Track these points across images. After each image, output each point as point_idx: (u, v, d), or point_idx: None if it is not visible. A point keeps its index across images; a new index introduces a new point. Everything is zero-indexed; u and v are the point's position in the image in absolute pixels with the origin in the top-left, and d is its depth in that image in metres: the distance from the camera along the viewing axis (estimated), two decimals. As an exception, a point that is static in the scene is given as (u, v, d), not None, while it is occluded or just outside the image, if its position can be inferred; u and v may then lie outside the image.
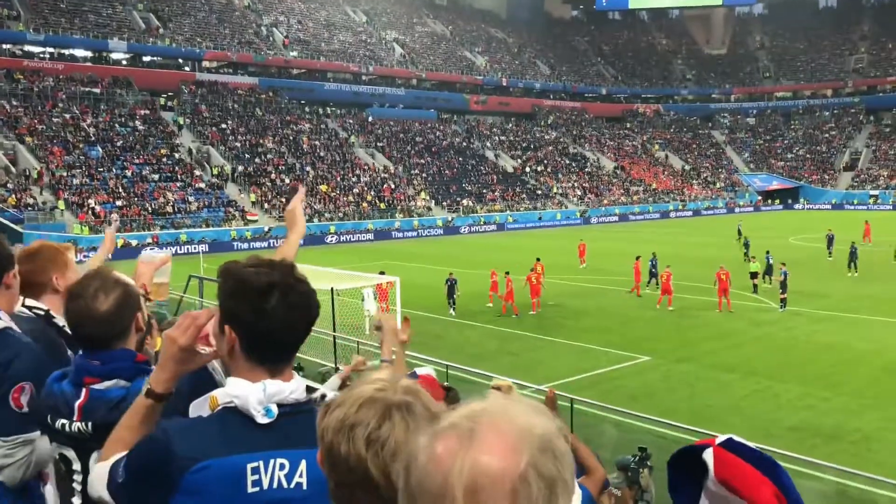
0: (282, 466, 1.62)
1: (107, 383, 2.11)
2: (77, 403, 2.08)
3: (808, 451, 10.26)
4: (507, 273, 22.91)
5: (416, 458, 0.90)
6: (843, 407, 13.41)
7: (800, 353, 17.52)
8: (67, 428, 2.09)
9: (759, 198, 79.71)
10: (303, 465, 1.64)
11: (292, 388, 1.70)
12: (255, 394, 1.65)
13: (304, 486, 1.63)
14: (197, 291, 18.03)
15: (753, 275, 25.54)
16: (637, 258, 26.20)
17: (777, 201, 79.03)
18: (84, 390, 2.10)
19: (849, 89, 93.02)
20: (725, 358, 17.25)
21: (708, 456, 1.39)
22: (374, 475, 1.23)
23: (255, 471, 1.60)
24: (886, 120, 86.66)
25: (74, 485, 2.16)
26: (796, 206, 77.66)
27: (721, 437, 1.43)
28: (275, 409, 1.65)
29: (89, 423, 2.06)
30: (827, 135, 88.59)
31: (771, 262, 26.57)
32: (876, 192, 74.49)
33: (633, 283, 25.87)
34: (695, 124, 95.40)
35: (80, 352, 2.21)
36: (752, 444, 1.47)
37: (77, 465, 2.15)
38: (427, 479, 0.87)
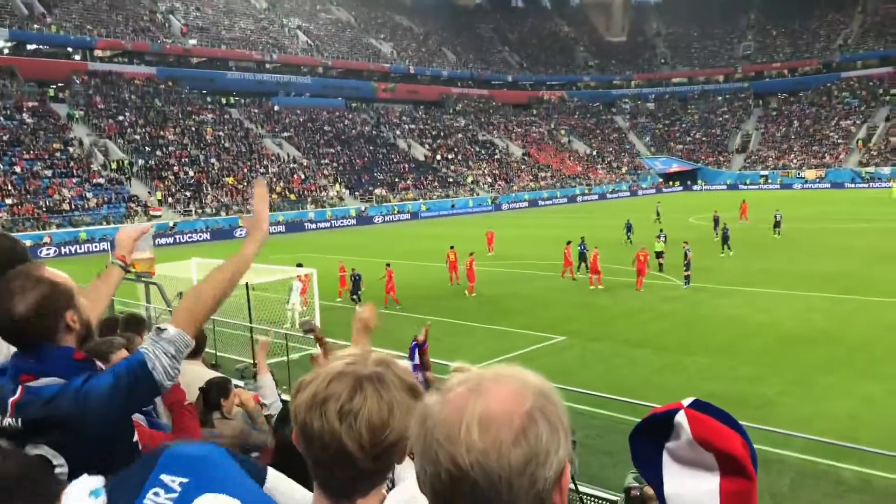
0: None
1: (43, 380, 2.05)
2: (11, 400, 2.01)
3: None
4: (388, 265, 22.93)
5: (431, 407, 0.99)
6: (746, 375, 14.23)
7: (704, 327, 18.46)
8: (1, 422, 2.03)
9: (661, 180, 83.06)
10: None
11: None
12: None
13: None
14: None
15: (659, 254, 26.70)
16: (568, 243, 26.45)
17: (677, 183, 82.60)
18: (20, 388, 2.04)
19: (738, 75, 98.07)
20: (637, 334, 17.96)
21: (681, 418, 1.44)
22: (350, 448, 1.23)
23: None
24: (773, 104, 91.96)
25: None
26: (695, 187, 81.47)
27: (688, 400, 1.50)
28: None
29: (19, 420, 2.00)
30: (720, 119, 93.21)
31: (663, 237, 27.77)
32: (766, 173, 79.05)
33: (562, 267, 26.13)
34: (598, 110, 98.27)
35: (15, 352, 2.14)
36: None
37: None
38: (443, 421, 0.96)
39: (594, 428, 10.71)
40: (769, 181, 77.57)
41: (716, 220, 35.14)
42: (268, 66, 74.05)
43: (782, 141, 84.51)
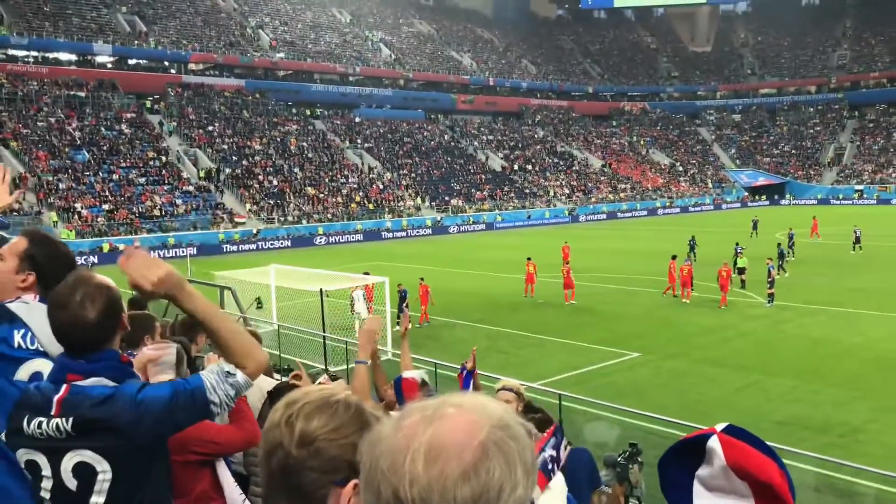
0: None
1: (91, 380, 2.10)
2: (56, 397, 2.06)
3: (797, 445, 10.33)
4: (422, 279, 22.15)
5: (382, 434, 0.91)
6: (832, 400, 13.52)
7: (788, 347, 17.65)
8: (44, 426, 2.04)
9: (746, 194, 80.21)
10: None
11: None
12: None
13: None
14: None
15: (741, 270, 25.69)
16: (673, 258, 25.41)
17: (763, 197, 79.54)
18: (64, 385, 2.08)
19: (832, 85, 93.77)
20: (715, 353, 17.35)
21: (714, 444, 1.41)
22: (284, 441, 1.25)
23: None
24: (870, 115, 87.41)
25: (42, 493, 2.08)
26: (783, 201, 78.19)
27: (721, 425, 1.47)
28: None
29: (69, 420, 2.03)
30: (811, 131, 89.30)
31: (740, 251, 26.71)
32: (860, 187, 75.15)
33: (668, 284, 25.05)
34: (681, 122, 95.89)
35: (63, 354, 2.19)
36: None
37: (47, 471, 2.07)
38: (390, 449, 0.88)
39: (665, 448, 10.40)
40: (864, 196, 73.69)
41: (790, 237, 33.48)
42: (351, 78, 75.75)
43: (880, 154, 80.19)
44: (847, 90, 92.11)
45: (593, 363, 16.72)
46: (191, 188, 51.13)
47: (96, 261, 37.91)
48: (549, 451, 2.47)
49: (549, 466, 2.37)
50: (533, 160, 75.49)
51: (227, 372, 2.14)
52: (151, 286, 1.99)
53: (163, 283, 2.01)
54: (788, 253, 30.89)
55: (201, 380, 2.11)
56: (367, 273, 21.72)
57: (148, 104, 60.05)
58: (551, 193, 68.77)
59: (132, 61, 63.23)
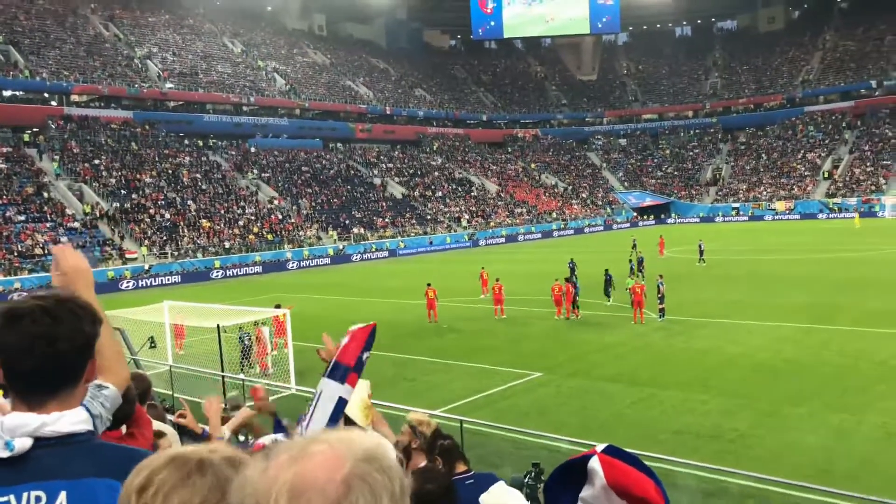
0: (38, 499, 1.54)
1: None
2: None
3: (690, 453, 10.93)
4: (256, 323, 19.95)
5: (248, 477, 0.91)
6: (720, 408, 14.34)
7: (678, 360, 18.61)
8: None
9: (635, 214, 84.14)
10: (62, 496, 1.55)
11: (49, 419, 1.61)
12: None
13: None
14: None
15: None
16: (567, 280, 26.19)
17: (651, 217, 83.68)
18: None
19: (707, 110, 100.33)
20: (611, 369, 18.06)
21: (595, 464, 1.46)
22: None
23: None
24: (741, 138, 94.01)
25: None
26: (668, 220, 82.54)
27: (601, 446, 1.53)
28: (20, 442, 1.56)
29: None
30: (691, 153, 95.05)
31: (609, 275, 27.90)
32: (737, 205, 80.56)
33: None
34: (571, 147, 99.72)
35: None
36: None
37: None
38: (255, 491, 0.88)
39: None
40: (740, 213, 78.98)
41: (640, 261, 33.83)
42: (245, 108, 74.46)
43: (752, 174, 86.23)
44: (720, 115, 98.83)
45: (497, 385, 17.03)
46: (76, 224, 48.53)
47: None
48: (367, 354, 2.68)
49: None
50: (433, 187, 76.40)
51: (98, 385, 2.05)
52: (68, 268, 2.04)
53: (77, 272, 2.06)
54: (639, 276, 30.64)
55: (82, 404, 1.98)
56: (278, 305, 21.22)
57: (27, 137, 56.74)
58: (462, 222, 69.64)
59: (7, 92, 59.70)
